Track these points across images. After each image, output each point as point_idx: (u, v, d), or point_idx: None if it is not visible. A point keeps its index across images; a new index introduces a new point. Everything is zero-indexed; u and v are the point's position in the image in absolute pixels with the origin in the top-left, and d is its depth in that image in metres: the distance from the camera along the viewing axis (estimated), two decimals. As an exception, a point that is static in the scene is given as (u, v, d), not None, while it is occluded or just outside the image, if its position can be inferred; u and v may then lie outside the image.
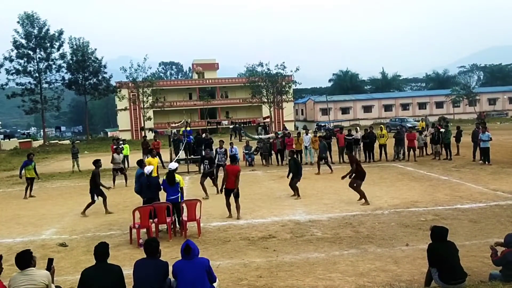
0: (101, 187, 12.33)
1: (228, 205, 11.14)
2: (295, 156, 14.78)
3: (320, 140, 18.37)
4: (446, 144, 20.17)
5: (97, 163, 12.74)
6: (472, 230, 8.98)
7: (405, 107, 70.02)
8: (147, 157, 21.64)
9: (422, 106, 70.02)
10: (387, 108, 69.47)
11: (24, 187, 15.84)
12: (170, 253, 8.05)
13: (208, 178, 14.38)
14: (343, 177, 12.65)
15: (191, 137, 23.46)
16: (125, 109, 55.42)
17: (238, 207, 11.12)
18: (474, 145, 19.18)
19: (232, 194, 10.94)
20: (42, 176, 21.00)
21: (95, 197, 12.17)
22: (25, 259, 5.06)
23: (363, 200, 11.99)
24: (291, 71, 52.22)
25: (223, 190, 11.25)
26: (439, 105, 69.11)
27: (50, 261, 5.57)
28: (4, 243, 9.72)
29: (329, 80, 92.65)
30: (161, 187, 10.27)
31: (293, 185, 13.28)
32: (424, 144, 21.69)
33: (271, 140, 22.56)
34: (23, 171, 15.79)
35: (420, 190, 13.54)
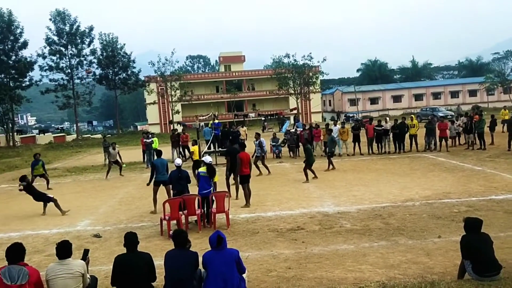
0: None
1: (246, 191, 11.56)
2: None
3: (328, 133, 17.69)
4: (480, 133, 19.59)
5: (23, 180, 12.11)
6: (507, 222, 8.73)
7: (436, 96, 68.33)
8: (176, 150, 22.07)
9: (454, 94, 68.15)
10: (418, 97, 67.93)
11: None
12: (200, 245, 8.16)
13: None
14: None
15: (218, 130, 23.58)
16: (154, 103, 56.25)
17: (249, 193, 11.64)
18: (510, 134, 18.55)
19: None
20: (75, 169, 21.70)
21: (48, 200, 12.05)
22: (65, 250, 5.26)
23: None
24: (318, 62, 51.74)
25: (239, 177, 11.71)
26: (472, 93, 67.10)
27: (86, 251, 5.76)
28: (41, 234, 10.08)
29: (357, 70, 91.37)
30: (191, 180, 10.46)
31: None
32: (456, 134, 21.14)
33: (298, 132, 22.42)
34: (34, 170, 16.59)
35: (452, 181, 13.22)
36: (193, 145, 17.53)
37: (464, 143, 20.71)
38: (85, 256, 5.66)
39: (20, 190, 12.20)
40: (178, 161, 10.71)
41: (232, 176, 12.58)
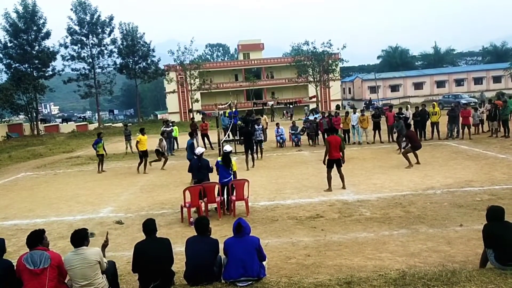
0: None
1: (330, 178, 11.41)
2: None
3: (399, 117, 18.13)
4: (504, 120, 19.13)
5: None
6: (532, 211, 8.54)
7: (459, 82, 66.79)
8: (195, 139, 22.21)
9: (478, 81, 66.48)
10: (440, 84, 66.53)
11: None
12: (220, 231, 8.26)
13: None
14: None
15: (236, 118, 23.61)
16: (174, 91, 56.57)
17: (342, 177, 11.46)
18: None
19: (335, 165, 11.35)
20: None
21: None
22: (79, 238, 5.31)
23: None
24: (338, 49, 51.08)
25: (326, 161, 11.47)
26: (497, 79, 65.31)
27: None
28: (65, 221, 10.36)
29: (378, 57, 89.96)
30: (212, 168, 10.55)
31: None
32: (480, 121, 20.71)
33: (317, 120, 22.30)
34: (97, 148, 17.39)
35: (475, 169, 12.99)
36: (142, 134, 17.05)
37: (488, 131, 20.28)
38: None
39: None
40: (199, 150, 10.81)
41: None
